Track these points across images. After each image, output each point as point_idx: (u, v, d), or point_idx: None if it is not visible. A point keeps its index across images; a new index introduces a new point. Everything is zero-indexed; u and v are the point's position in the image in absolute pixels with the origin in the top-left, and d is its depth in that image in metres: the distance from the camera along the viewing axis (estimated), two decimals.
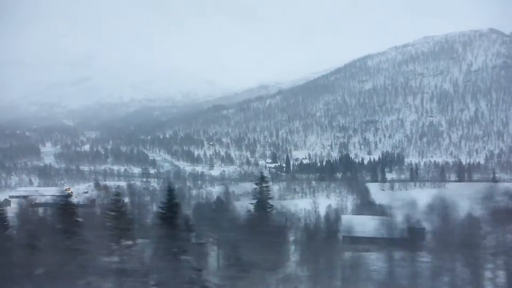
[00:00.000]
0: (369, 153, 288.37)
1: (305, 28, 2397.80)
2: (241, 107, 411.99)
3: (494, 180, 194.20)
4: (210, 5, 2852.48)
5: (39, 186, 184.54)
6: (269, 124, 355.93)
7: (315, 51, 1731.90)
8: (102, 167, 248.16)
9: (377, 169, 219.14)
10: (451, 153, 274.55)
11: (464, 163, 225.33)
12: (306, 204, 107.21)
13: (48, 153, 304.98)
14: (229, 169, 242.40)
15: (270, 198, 51.28)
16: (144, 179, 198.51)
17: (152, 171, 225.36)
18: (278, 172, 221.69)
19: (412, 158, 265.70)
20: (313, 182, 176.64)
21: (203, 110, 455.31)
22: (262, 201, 51.44)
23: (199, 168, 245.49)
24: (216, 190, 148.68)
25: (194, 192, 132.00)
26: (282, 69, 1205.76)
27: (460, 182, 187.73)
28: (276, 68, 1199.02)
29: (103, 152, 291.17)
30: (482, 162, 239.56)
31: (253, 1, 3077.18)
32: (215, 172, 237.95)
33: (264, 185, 51.82)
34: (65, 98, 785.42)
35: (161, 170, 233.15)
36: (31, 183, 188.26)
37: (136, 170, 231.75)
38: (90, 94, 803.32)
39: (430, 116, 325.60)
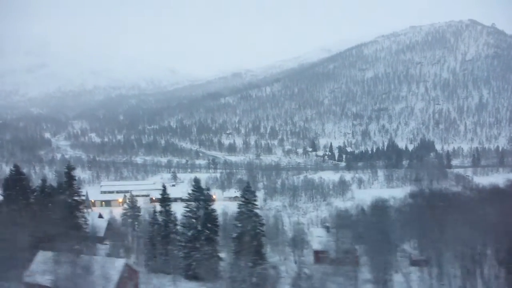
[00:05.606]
0: (391, 140, 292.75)
1: (266, 15, 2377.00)
2: (241, 95, 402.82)
3: None
4: None
5: (114, 180, 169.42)
6: (279, 112, 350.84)
7: (277, 38, 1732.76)
8: (139, 158, 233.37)
9: (424, 156, 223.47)
10: (471, 139, 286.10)
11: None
12: None
13: (58, 144, 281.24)
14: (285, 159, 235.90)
15: None
16: (211, 171, 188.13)
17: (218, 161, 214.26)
18: (331, 160, 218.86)
19: (436, 145, 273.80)
20: (395, 170, 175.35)
21: (198, 98, 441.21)
22: None
23: (239, 158, 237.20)
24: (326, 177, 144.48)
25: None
26: (246, 56, 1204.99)
27: None
28: (239, 55, 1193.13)
29: (122, 143, 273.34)
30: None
31: None
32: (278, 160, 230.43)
33: None
34: (22, 86, 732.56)
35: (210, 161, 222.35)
36: (99, 177, 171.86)
37: (202, 162, 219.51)
38: (48, 82, 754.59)
39: (437, 104, 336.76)
